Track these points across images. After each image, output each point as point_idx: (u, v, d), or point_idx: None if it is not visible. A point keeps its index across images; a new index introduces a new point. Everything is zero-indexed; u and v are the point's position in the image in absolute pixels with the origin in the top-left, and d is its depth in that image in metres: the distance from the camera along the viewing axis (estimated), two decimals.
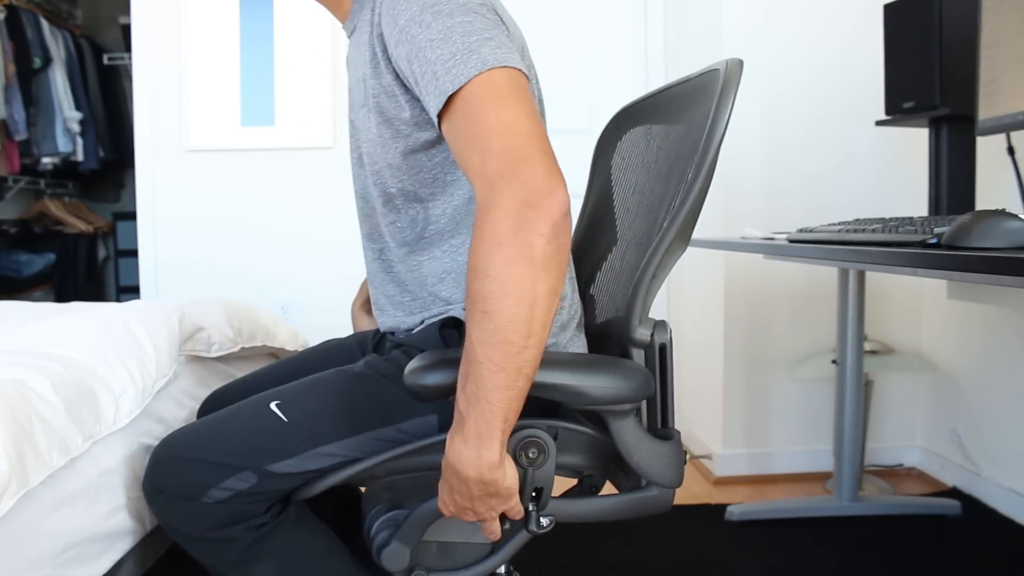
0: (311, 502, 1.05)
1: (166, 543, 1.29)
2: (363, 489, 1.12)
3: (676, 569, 1.85)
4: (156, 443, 1.27)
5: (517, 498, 0.89)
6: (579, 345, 1.07)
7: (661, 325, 0.99)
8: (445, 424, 0.98)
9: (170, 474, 0.99)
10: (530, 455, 0.91)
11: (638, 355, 0.99)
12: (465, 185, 1.00)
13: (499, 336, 0.78)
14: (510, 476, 0.86)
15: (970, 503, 2.24)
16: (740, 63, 0.98)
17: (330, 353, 1.26)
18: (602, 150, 1.28)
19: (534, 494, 0.93)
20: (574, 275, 1.10)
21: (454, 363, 0.87)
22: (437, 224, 1.02)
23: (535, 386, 0.87)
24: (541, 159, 0.79)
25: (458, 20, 0.86)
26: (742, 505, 2.19)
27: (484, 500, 0.87)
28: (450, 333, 1.03)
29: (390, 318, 1.11)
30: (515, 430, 0.90)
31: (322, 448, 0.98)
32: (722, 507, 2.19)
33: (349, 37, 1.10)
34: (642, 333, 0.98)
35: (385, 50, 0.94)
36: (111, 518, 1.11)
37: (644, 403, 1.00)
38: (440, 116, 0.86)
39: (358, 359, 1.21)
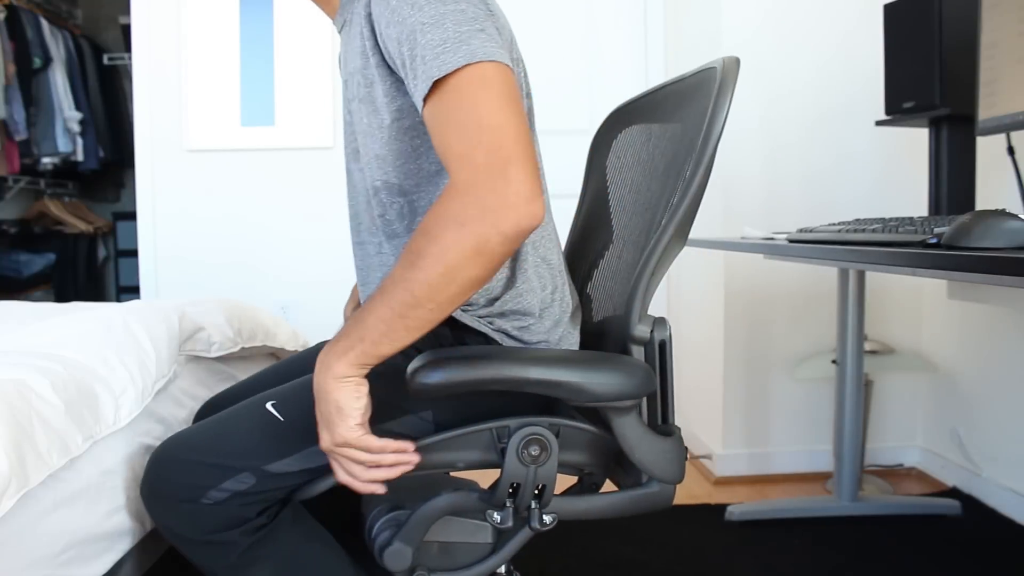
0: (308, 503, 1.05)
1: (166, 543, 1.29)
2: None
3: (676, 569, 1.85)
4: (156, 443, 1.27)
5: (360, 427, 0.88)
6: (572, 342, 1.07)
7: (660, 322, 1.00)
8: (441, 422, 0.98)
9: (168, 477, 0.99)
10: (532, 452, 0.91)
11: (638, 352, 0.99)
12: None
13: (410, 287, 0.83)
14: (351, 398, 0.87)
15: (970, 503, 2.24)
16: (737, 61, 0.98)
17: None
18: (597, 149, 1.29)
19: (537, 492, 0.93)
20: (564, 271, 1.09)
21: (456, 361, 0.88)
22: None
23: (539, 383, 0.87)
24: (526, 165, 0.81)
25: (451, 8, 0.86)
26: (742, 505, 2.19)
27: (327, 425, 0.88)
28: (441, 331, 1.02)
29: None
30: (518, 428, 0.91)
31: (318, 446, 0.98)
32: (722, 507, 2.19)
33: (340, 32, 1.09)
34: (642, 330, 0.98)
35: (373, 33, 0.94)
36: (111, 518, 1.11)
37: (645, 400, 1.00)
38: (425, 100, 0.87)
39: None
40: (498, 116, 0.83)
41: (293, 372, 1.20)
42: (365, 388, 0.89)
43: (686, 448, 1.01)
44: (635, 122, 1.18)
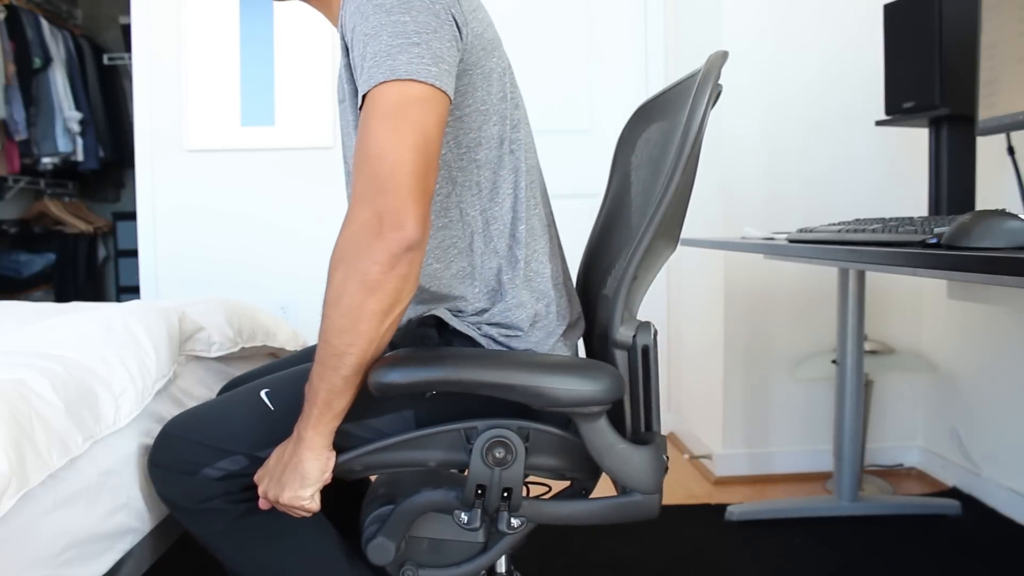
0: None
1: (166, 543, 1.29)
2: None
3: (676, 569, 1.85)
4: None
5: (309, 495, 0.92)
6: (566, 353, 1.07)
7: (644, 326, 0.97)
8: (422, 420, 0.98)
9: (171, 452, 1.04)
10: (497, 455, 0.91)
11: (621, 357, 0.96)
12: None
13: (325, 337, 0.86)
14: (311, 466, 0.91)
15: (970, 503, 2.24)
16: (723, 55, 0.95)
17: None
18: (621, 148, 1.26)
19: (504, 495, 0.92)
20: (563, 282, 1.08)
21: (417, 361, 0.88)
22: None
23: (494, 386, 0.87)
24: (398, 191, 0.81)
25: (393, 19, 0.85)
26: (742, 505, 2.19)
27: (280, 480, 0.92)
28: (427, 332, 1.03)
29: None
30: (485, 429, 0.91)
31: None
32: (722, 507, 2.19)
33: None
34: (623, 334, 0.95)
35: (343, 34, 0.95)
36: (111, 518, 1.11)
37: (629, 407, 0.98)
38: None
39: None
40: (383, 143, 0.82)
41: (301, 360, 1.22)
42: (333, 461, 0.93)
43: (667, 457, 0.98)
44: (652, 120, 1.16)
